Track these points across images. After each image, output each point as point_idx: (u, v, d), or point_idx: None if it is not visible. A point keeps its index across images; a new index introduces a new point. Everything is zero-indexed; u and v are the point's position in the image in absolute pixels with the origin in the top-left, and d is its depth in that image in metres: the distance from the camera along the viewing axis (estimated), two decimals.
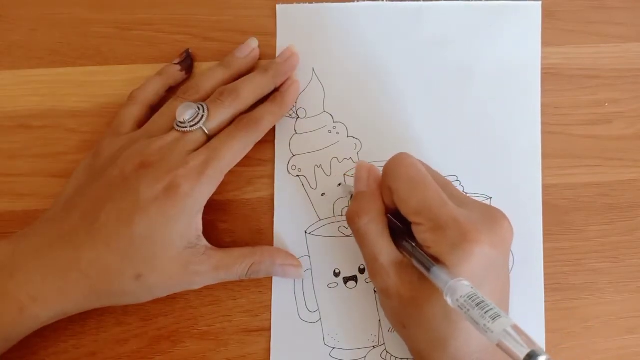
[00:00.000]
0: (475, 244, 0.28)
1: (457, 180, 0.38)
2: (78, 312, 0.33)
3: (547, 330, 0.38)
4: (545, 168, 0.39)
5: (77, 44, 0.39)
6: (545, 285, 0.38)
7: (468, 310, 0.25)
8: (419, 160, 0.32)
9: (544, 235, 0.38)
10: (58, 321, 0.33)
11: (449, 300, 0.27)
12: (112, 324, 0.37)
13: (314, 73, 0.39)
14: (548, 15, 0.40)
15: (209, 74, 0.37)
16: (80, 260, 0.31)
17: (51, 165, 0.38)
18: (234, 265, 0.35)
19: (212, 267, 0.34)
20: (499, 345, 0.24)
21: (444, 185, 0.32)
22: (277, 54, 0.39)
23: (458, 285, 0.27)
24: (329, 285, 0.38)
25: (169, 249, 0.32)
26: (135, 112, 0.37)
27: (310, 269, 0.38)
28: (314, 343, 0.37)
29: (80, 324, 0.37)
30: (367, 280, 0.38)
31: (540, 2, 0.40)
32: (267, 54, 0.39)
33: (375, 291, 0.37)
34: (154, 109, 0.38)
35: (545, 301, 0.38)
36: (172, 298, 0.37)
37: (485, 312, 0.25)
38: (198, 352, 0.37)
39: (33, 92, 0.39)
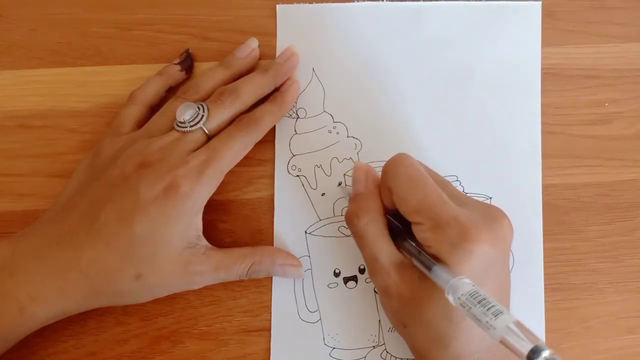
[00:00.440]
0: (476, 243, 0.28)
1: (457, 180, 0.38)
2: (78, 312, 0.33)
3: (547, 330, 0.38)
4: (545, 168, 0.39)
5: (77, 44, 0.39)
6: (545, 285, 0.38)
7: (470, 307, 0.25)
8: (418, 161, 0.32)
9: (544, 235, 0.38)
10: (58, 321, 0.33)
11: (450, 298, 0.27)
12: (112, 324, 0.37)
13: (314, 73, 0.39)
14: (548, 15, 0.40)
15: (209, 74, 0.37)
16: (80, 260, 0.32)
17: (51, 165, 0.38)
18: (234, 265, 0.35)
19: (212, 267, 0.34)
20: (502, 342, 0.24)
21: (443, 184, 0.32)
22: (277, 54, 0.39)
23: (459, 283, 0.27)
24: (329, 285, 0.38)
25: (169, 248, 0.32)
26: (135, 112, 0.37)
27: (310, 269, 0.38)
28: (314, 343, 0.37)
29: (80, 324, 0.37)
30: (367, 280, 0.38)
31: (540, 2, 0.40)
32: (267, 54, 0.39)
33: (375, 291, 0.37)
34: (154, 109, 0.38)
35: (545, 301, 0.38)
36: (172, 298, 0.37)
37: (488, 309, 0.25)
38: (198, 352, 0.37)
39: (33, 92, 0.39)
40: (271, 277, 0.38)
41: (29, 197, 0.38)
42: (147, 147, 0.33)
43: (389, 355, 0.37)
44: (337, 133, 0.39)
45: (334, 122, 0.39)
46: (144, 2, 0.40)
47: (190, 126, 0.34)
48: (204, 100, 0.35)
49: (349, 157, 0.38)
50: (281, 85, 0.38)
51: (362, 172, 0.34)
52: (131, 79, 0.39)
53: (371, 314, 0.37)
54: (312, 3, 0.39)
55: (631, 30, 0.40)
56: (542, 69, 0.39)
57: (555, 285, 0.38)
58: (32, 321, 0.32)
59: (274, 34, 0.39)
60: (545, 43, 0.40)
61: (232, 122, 0.35)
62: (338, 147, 0.39)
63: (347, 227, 0.37)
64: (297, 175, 0.38)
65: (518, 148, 0.39)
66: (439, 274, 0.28)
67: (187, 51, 0.39)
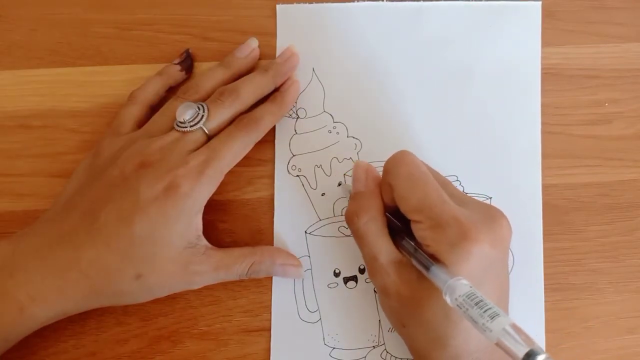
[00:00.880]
0: (475, 243, 0.28)
1: (457, 180, 0.38)
2: (78, 312, 0.33)
3: (547, 330, 0.38)
4: (545, 168, 0.39)
5: (77, 44, 0.39)
6: (545, 285, 0.38)
7: (467, 309, 0.25)
8: (419, 159, 0.32)
9: (544, 235, 0.38)
10: (58, 321, 0.33)
11: (447, 299, 0.27)
12: (112, 324, 0.37)
13: (314, 73, 0.39)
14: (548, 15, 0.40)
15: (209, 74, 0.37)
16: (80, 260, 0.32)
17: (51, 165, 0.38)
18: (234, 265, 0.35)
19: (212, 267, 0.34)
20: (498, 344, 0.24)
21: (444, 184, 0.32)
22: (277, 54, 0.39)
23: (457, 284, 0.27)
24: (329, 285, 0.38)
25: (169, 248, 0.32)
26: (135, 112, 0.37)
27: (310, 269, 0.38)
28: (314, 343, 0.37)
29: (80, 324, 0.37)
30: (367, 280, 0.38)
31: (540, 2, 0.40)
32: (267, 54, 0.39)
33: (375, 291, 0.37)
34: (154, 109, 0.38)
35: (545, 301, 0.38)
36: (172, 298, 0.37)
37: (484, 311, 0.25)
38: (198, 352, 0.37)
39: (33, 92, 0.39)
40: (271, 277, 0.38)
41: (29, 197, 0.38)
42: (147, 147, 0.33)
43: (389, 355, 0.37)
44: (337, 133, 0.39)
45: (334, 122, 0.39)
46: (144, 2, 0.40)
47: (190, 126, 0.34)
48: (204, 100, 0.35)
49: (349, 157, 0.38)
50: (281, 85, 0.38)
51: (362, 171, 0.34)
52: (131, 79, 0.39)
53: (371, 314, 0.37)
54: (312, 3, 0.39)
55: (631, 30, 0.40)
56: (542, 69, 0.39)
57: (555, 285, 0.38)
58: (32, 321, 0.32)
59: (274, 34, 0.39)
60: (545, 43, 0.40)
61: (232, 122, 0.35)
62: (338, 147, 0.39)
63: (347, 227, 0.37)
64: (297, 175, 0.38)
65: (518, 148, 0.39)
66: (437, 274, 0.28)
67: (187, 51, 0.39)
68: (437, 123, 0.39)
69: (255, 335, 0.37)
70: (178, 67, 0.38)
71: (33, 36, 0.39)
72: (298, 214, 0.38)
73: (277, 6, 0.39)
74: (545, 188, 0.39)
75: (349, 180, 0.38)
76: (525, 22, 0.40)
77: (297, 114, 0.39)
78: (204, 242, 0.34)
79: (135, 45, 0.39)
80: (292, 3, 0.39)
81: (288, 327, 0.37)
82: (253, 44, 0.38)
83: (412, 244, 0.31)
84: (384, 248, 0.32)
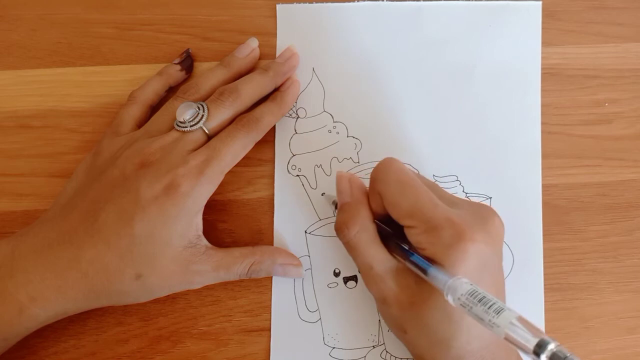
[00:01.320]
0: (471, 242, 0.28)
1: (457, 180, 0.38)
2: (78, 312, 0.34)
3: (547, 330, 0.38)
4: (545, 168, 0.39)
5: (77, 44, 0.39)
6: (545, 285, 0.38)
7: (471, 307, 0.25)
8: (405, 164, 0.32)
9: (544, 235, 0.38)
10: (58, 321, 0.33)
11: (450, 299, 0.27)
12: (112, 324, 0.37)
13: (314, 73, 0.39)
14: (548, 15, 0.40)
15: (209, 74, 0.37)
16: (80, 260, 0.31)
17: (51, 165, 0.38)
18: (234, 264, 0.35)
19: (212, 267, 0.34)
20: (507, 339, 0.24)
21: (432, 187, 0.32)
22: (277, 54, 0.39)
23: (458, 283, 0.26)
24: (329, 285, 0.38)
25: (169, 248, 0.32)
26: (135, 112, 0.37)
27: (310, 269, 0.38)
28: (314, 343, 0.37)
29: (80, 324, 0.37)
30: None
31: (540, 2, 0.40)
32: (267, 54, 0.39)
33: None
34: (154, 109, 0.38)
35: (545, 301, 0.38)
36: (172, 298, 0.37)
37: (489, 307, 0.25)
38: (198, 352, 0.37)
39: (33, 92, 0.39)
40: (271, 277, 0.38)
41: (29, 197, 0.38)
42: (147, 146, 0.33)
43: (388, 355, 0.37)
44: (337, 133, 0.39)
45: (334, 122, 0.39)
46: (144, 2, 0.40)
47: (190, 126, 0.34)
48: (204, 100, 0.35)
49: (349, 157, 0.38)
50: (281, 85, 0.38)
51: (345, 181, 0.34)
52: (131, 79, 0.39)
53: (371, 314, 0.37)
54: (312, 3, 0.39)
55: (631, 30, 0.40)
56: (542, 69, 0.39)
57: (555, 285, 0.38)
58: (32, 321, 0.32)
59: (274, 34, 0.39)
60: (545, 43, 0.40)
61: (232, 121, 0.35)
62: (338, 147, 0.39)
63: None
64: (297, 175, 0.38)
65: (518, 148, 0.39)
66: (436, 276, 0.28)
67: (187, 51, 0.39)
68: (437, 123, 0.39)
69: (255, 335, 0.37)
70: (178, 67, 0.38)
71: (33, 36, 0.39)
72: (298, 214, 0.38)
73: (277, 6, 0.39)
74: (545, 188, 0.39)
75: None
76: (525, 22, 0.40)
77: (297, 114, 0.39)
78: (204, 242, 0.34)
79: (135, 45, 0.39)
80: (292, 3, 0.39)
81: (288, 327, 0.37)
82: (253, 44, 0.38)
83: (407, 248, 0.31)
84: (377, 256, 0.32)
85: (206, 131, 0.34)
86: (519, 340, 0.23)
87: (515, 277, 0.37)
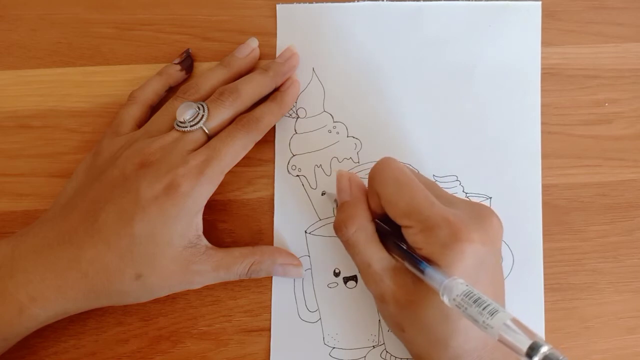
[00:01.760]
0: (467, 242, 0.28)
1: (457, 180, 0.38)
2: (78, 312, 0.34)
3: (547, 330, 0.38)
4: (545, 168, 0.39)
5: (77, 44, 0.39)
6: (545, 285, 0.38)
7: (466, 308, 0.25)
8: (404, 164, 0.32)
9: (544, 235, 0.38)
10: (58, 321, 0.33)
11: (445, 299, 0.27)
12: (112, 324, 0.37)
13: (314, 73, 0.39)
14: (548, 15, 0.40)
15: (209, 74, 0.37)
16: (80, 259, 0.31)
17: (51, 165, 0.38)
18: (234, 264, 0.35)
19: (213, 267, 0.34)
20: (500, 340, 0.24)
21: (430, 185, 0.32)
22: (277, 54, 0.39)
23: (453, 283, 0.26)
24: (329, 285, 0.38)
25: (169, 248, 0.32)
26: (135, 112, 0.37)
27: (310, 269, 0.38)
28: (314, 343, 0.37)
29: (80, 324, 0.37)
30: None
31: (540, 2, 0.40)
32: (267, 54, 0.39)
33: None
34: (154, 109, 0.38)
35: (545, 301, 0.38)
36: (172, 298, 0.37)
37: (483, 309, 0.25)
38: (198, 352, 0.37)
39: (33, 92, 0.39)
40: (271, 277, 0.38)
41: (29, 197, 0.38)
42: (147, 146, 0.33)
43: (388, 355, 0.37)
44: (337, 133, 0.39)
45: (334, 122, 0.39)
46: (144, 2, 0.40)
47: (191, 126, 0.34)
48: (204, 100, 0.35)
49: (349, 157, 0.38)
50: (281, 85, 0.38)
51: (345, 180, 0.34)
52: (131, 79, 0.39)
53: (371, 314, 0.37)
54: (312, 3, 0.39)
55: (631, 30, 0.40)
56: (542, 69, 0.39)
57: (555, 285, 0.38)
58: (32, 321, 0.32)
59: (274, 34, 0.39)
60: (545, 43, 0.40)
61: (232, 122, 0.35)
62: (338, 147, 0.39)
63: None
64: (297, 175, 0.38)
65: (518, 148, 0.39)
66: (432, 276, 0.28)
67: (187, 51, 0.39)
68: (437, 123, 0.39)
69: (255, 335, 0.37)
70: (178, 67, 0.38)
71: (33, 36, 0.39)
72: (298, 214, 0.38)
73: (277, 6, 0.39)
74: (545, 188, 0.39)
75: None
76: (525, 22, 0.40)
77: (297, 114, 0.39)
78: (204, 241, 0.34)
79: (135, 45, 0.39)
80: (292, 3, 0.39)
81: (288, 327, 0.37)
82: (253, 44, 0.38)
83: (404, 247, 0.31)
84: (376, 255, 0.32)
85: (206, 131, 0.34)
86: (512, 342, 0.23)
87: (515, 277, 0.37)
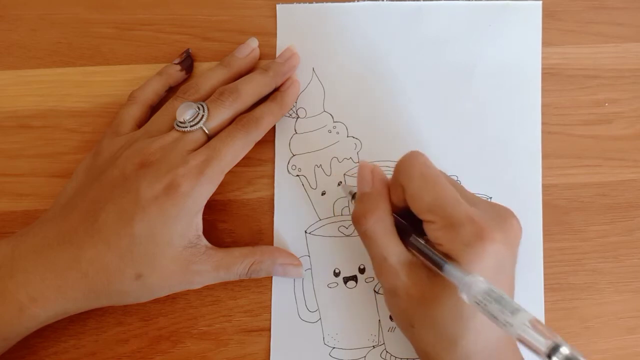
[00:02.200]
0: (490, 242, 0.28)
1: (457, 180, 0.38)
2: (78, 312, 0.34)
3: None
4: (545, 168, 0.39)
5: (77, 44, 0.39)
6: (545, 285, 0.38)
7: (486, 305, 0.25)
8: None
9: (544, 235, 0.38)
10: (58, 321, 0.33)
11: (464, 296, 0.27)
12: (112, 324, 0.37)
13: (314, 73, 0.39)
14: (548, 15, 0.40)
15: (209, 74, 0.37)
16: (80, 259, 0.31)
17: (51, 165, 0.38)
18: (234, 264, 0.35)
19: (213, 267, 0.34)
20: (520, 339, 0.24)
21: (453, 184, 0.32)
22: (277, 54, 0.39)
23: (474, 281, 0.26)
24: (329, 285, 0.38)
25: (169, 248, 0.32)
26: (135, 112, 0.37)
27: (310, 269, 0.38)
28: (314, 343, 0.37)
29: (80, 324, 0.37)
30: (367, 280, 0.38)
31: (540, 2, 0.40)
32: (267, 54, 0.39)
33: (375, 291, 0.37)
34: (154, 109, 0.38)
35: (545, 301, 0.38)
36: (172, 298, 0.37)
37: (505, 307, 0.25)
38: (198, 352, 0.37)
39: (33, 92, 0.39)
40: (271, 277, 0.38)
41: (29, 197, 0.38)
42: (147, 146, 0.33)
43: (388, 355, 0.37)
44: (337, 133, 0.39)
45: (334, 122, 0.39)
46: (144, 2, 0.40)
47: (191, 126, 0.34)
48: (204, 100, 0.35)
49: (349, 157, 0.38)
50: (281, 85, 0.38)
51: (368, 171, 0.33)
52: (131, 79, 0.39)
53: (371, 314, 0.37)
54: (312, 3, 0.39)
55: (631, 30, 0.40)
56: (542, 69, 0.39)
57: (555, 285, 0.38)
58: (32, 321, 0.32)
59: (274, 34, 0.39)
60: (545, 43, 0.40)
61: (232, 122, 0.35)
62: (338, 147, 0.39)
63: (347, 226, 0.37)
64: (297, 175, 0.38)
65: (518, 148, 0.39)
66: (452, 272, 0.28)
67: (187, 51, 0.39)
68: (437, 123, 0.39)
69: (255, 335, 0.37)
70: (178, 67, 0.38)
71: (33, 36, 0.39)
72: (298, 214, 0.38)
73: (277, 6, 0.39)
74: (545, 188, 0.39)
75: (349, 180, 0.38)
76: (525, 22, 0.40)
77: (297, 114, 0.39)
78: (204, 242, 0.34)
79: (135, 45, 0.39)
80: (292, 3, 0.39)
81: (288, 327, 0.37)
82: (253, 44, 0.38)
83: (423, 242, 0.31)
84: (393, 249, 0.31)
85: (206, 131, 0.34)
86: (532, 342, 0.23)
87: (515, 277, 0.37)
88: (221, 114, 0.35)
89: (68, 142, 0.38)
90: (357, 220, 0.32)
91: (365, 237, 0.32)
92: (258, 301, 0.38)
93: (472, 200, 0.32)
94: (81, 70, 0.39)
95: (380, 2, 0.39)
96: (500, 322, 0.25)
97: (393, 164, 0.32)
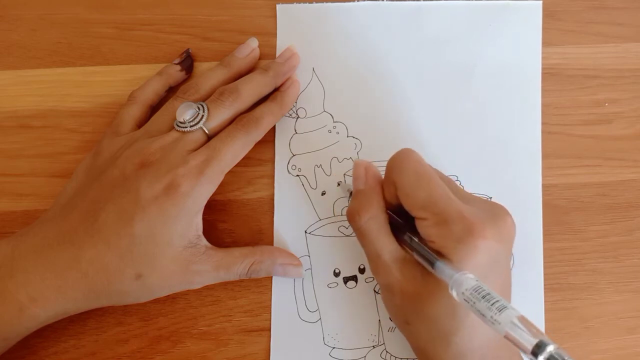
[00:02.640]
0: (481, 239, 0.28)
1: (457, 180, 0.38)
2: (78, 312, 0.34)
3: (547, 330, 0.38)
4: (545, 168, 0.39)
5: (77, 44, 0.39)
6: (545, 285, 0.38)
7: (474, 302, 0.25)
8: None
9: (544, 235, 0.38)
10: (58, 321, 0.33)
11: (454, 293, 0.27)
12: (112, 324, 0.37)
13: (314, 73, 0.39)
14: (548, 15, 0.40)
15: (209, 74, 0.37)
16: (80, 259, 0.32)
17: (51, 165, 0.38)
18: (234, 264, 0.35)
19: (213, 267, 0.34)
20: (507, 337, 0.24)
21: (447, 182, 0.32)
22: (277, 54, 0.39)
23: (463, 278, 0.26)
24: (329, 285, 0.38)
25: (169, 248, 0.32)
26: (135, 112, 0.37)
27: (310, 269, 0.38)
28: (314, 343, 0.37)
29: (80, 324, 0.37)
30: (367, 280, 0.38)
31: (540, 2, 0.40)
32: (267, 54, 0.39)
33: (375, 291, 0.38)
34: (154, 109, 0.38)
35: (545, 301, 0.38)
36: (172, 298, 0.37)
37: (492, 304, 0.25)
38: (198, 352, 0.37)
39: (33, 92, 0.39)
40: (271, 277, 0.38)
41: (29, 197, 0.38)
42: (147, 146, 0.33)
43: (388, 355, 0.37)
44: (337, 133, 0.39)
45: (334, 122, 0.39)
46: (144, 2, 0.40)
47: (190, 126, 0.34)
48: (204, 100, 0.35)
49: (349, 157, 0.38)
50: (281, 85, 0.38)
51: (362, 169, 0.34)
52: (131, 79, 0.39)
53: (371, 314, 0.37)
54: (312, 3, 0.39)
55: (631, 30, 0.40)
56: (542, 69, 0.39)
57: (555, 285, 0.38)
58: (32, 321, 0.32)
59: (274, 34, 0.39)
60: (545, 43, 0.40)
61: (232, 122, 0.35)
62: (338, 147, 0.39)
63: (347, 226, 0.37)
64: (297, 175, 0.38)
65: (518, 148, 0.39)
66: (442, 270, 0.28)
67: (187, 51, 0.39)
68: (437, 123, 0.39)
69: (255, 335, 0.37)
70: (178, 67, 0.38)
71: (33, 36, 0.39)
72: (298, 214, 0.38)
73: (277, 6, 0.39)
74: (545, 188, 0.39)
75: (349, 180, 0.38)
76: (525, 22, 0.40)
77: (297, 114, 0.39)
78: (204, 242, 0.34)
79: (135, 45, 0.39)
80: (292, 3, 0.39)
81: (288, 327, 0.37)
82: (253, 44, 0.38)
83: (416, 239, 0.31)
84: (386, 246, 0.32)
85: (206, 131, 0.34)
86: (519, 340, 0.23)
87: (515, 277, 0.37)
88: (221, 114, 0.35)
89: (68, 142, 0.38)
90: (351, 217, 0.33)
91: (359, 234, 0.33)
92: (258, 301, 0.38)
93: (466, 197, 0.32)
94: (81, 70, 0.39)
95: (380, 2, 0.39)
96: (487, 319, 0.25)
97: None
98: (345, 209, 0.38)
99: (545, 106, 0.39)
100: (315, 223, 0.38)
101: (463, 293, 0.26)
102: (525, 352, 0.23)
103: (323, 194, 0.38)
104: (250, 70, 0.38)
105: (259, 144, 0.36)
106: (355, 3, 0.39)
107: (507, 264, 0.32)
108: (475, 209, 0.30)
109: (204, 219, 0.34)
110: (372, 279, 0.38)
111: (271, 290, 0.38)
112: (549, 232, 0.38)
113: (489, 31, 0.39)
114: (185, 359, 0.37)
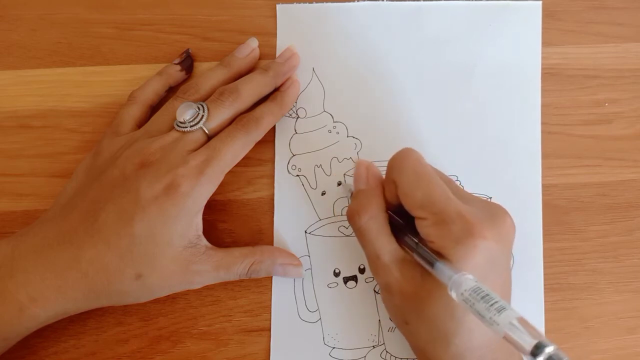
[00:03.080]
0: (480, 239, 0.28)
1: (457, 180, 0.38)
2: (78, 312, 0.34)
3: (547, 330, 0.38)
4: (545, 168, 0.39)
5: (77, 44, 0.39)
6: (545, 285, 0.38)
7: (473, 303, 0.25)
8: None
9: (544, 235, 0.38)
10: (58, 321, 0.33)
11: (453, 294, 0.27)
12: (112, 324, 0.37)
13: (314, 73, 0.39)
14: (548, 15, 0.40)
15: (209, 74, 0.37)
16: (80, 259, 0.32)
17: (51, 165, 0.38)
18: (234, 264, 0.35)
19: (213, 267, 0.34)
20: (505, 338, 0.24)
21: (447, 182, 0.32)
22: (277, 54, 0.39)
23: (462, 279, 0.26)
24: (329, 285, 0.38)
25: (169, 248, 0.32)
26: (135, 112, 0.37)
27: (310, 269, 0.38)
28: (314, 343, 0.37)
29: (80, 324, 0.37)
30: (367, 280, 0.38)
31: (540, 2, 0.40)
32: (267, 54, 0.39)
33: (375, 291, 0.38)
34: (154, 109, 0.38)
35: (545, 301, 0.38)
36: (172, 298, 0.37)
37: (491, 305, 0.25)
38: (198, 352, 0.37)
39: (33, 92, 0.39)
40: (271, 277, 0.38)
41: (29, 197, 0.38)
42: (147, 146, 0.33)
43: (388, 355, 0.37)
44: (337, 133, 0.39)
45: (334, 122, 0.39)
46: (144, 2, 0.40)
47: (191, 126, 0.34)
48: (204, 100, 0.35)
49: (349, 157, 0.38)
50: (281, 85, 0.38)
51: (363, 169, 0.34)
52: (131, 79, 0.39)
53: (371, 314, 0.37)
54: (312, 3, 0.39)
55: (631, 30, 0.40)
56: (542, 69, 0.39)
57: (555, 285, 0.38)
58: (32, 321, 0.32)
59: (274, 34, 0.39)
60: (545, 43, 0.40)
61: (232, 122, 0.35)
62: (338, 146, 0.39)
63: (347, 226, 0.37)
64: (297, 175, 0.38)
65: (518, 148, 0.39)
66: (442, 270, 0.28)
67: (187, 51, 0.39)
68: (437, 123, 0.39)
69: (255, 335, 0.37)
70: (178, 67, 0.38)
71: (33, 36, 0.39)
72: (298, 214, 0.38)
73: (277, 6, 0.39)
74: (545, 188, 0.39)
75: (349, 180, 0.38)
76: (525, 22, 0.40)
77: (297, 114, 0.39)
78: (204, 242, 0.34)
79: (135, 45, 0.39)
80: (292, 3, 0.39)
81: (288, 327, 0.37)
82: (253, 44, 0.38)
83: (415, 240, 0.31)
84: (386, 246, 0.32)
85: (206, 131, 0.34)
86: (517, 341, 0.23)
87: (515, 277, 0.37)
88: (221, 114, 0.35)
89: (68, 142, 0.38)
90: (351, 216, 0.33)
91: (359, 234, 0.33)
92: (258, 301, 0.38)
93: (465, 197, 0.32)
94: (81, 70, 0.39)
95: (380, 2, 0.39)
96: (486, 320, 0.25)
97: None
98: (346, 209, 0.38)
99: (545, 106, 0.39)
100: (315, 223, 0.38)
101: (462, 294, 0.26)
102: (524, 353, 0.23)
103: (323, 194, 0.38)
104: (250, 70, 0.38)
105: (259, 144, 0.36)
106: (355, 3, 0.39)
107: (507, 264, 0.32)
108: (475, 209, 0.30)
109: (204, 219, 0.34)
110: (372, 279, 0.38)
111: (271, 290, 0.38)
112: (548, 232, 0.38)
113: (489, 31, 0.39)
114: (185, 359, 0.37)
